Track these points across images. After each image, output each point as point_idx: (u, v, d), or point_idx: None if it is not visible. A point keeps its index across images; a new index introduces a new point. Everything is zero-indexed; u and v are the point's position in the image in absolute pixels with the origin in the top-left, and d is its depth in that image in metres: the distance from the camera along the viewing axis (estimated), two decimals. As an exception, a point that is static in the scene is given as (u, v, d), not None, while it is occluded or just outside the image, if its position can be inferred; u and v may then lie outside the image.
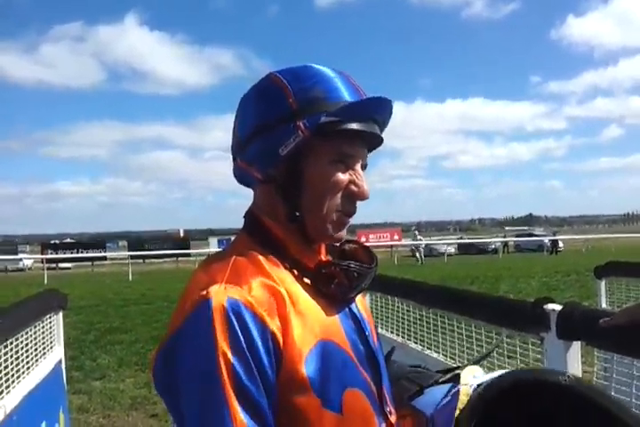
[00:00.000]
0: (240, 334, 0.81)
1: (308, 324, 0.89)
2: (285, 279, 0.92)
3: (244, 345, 0.81)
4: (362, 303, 1.09)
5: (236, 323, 0.81)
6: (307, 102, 0.94)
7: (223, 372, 0.79)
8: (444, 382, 1.12)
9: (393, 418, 1.00)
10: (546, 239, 37.32)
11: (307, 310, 0.91)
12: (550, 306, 1.74)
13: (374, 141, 1.03)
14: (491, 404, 0.89)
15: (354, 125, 0.94)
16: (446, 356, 2.53)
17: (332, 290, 0.95)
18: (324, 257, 1.04)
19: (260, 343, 0.82)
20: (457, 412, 0.96)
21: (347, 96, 0.96)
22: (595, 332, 1.49)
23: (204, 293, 0.84)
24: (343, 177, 0.96)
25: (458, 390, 1.01)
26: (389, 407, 0.99)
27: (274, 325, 0.84)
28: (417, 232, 35.82)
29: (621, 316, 1.29)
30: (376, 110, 0.99)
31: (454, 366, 1.31)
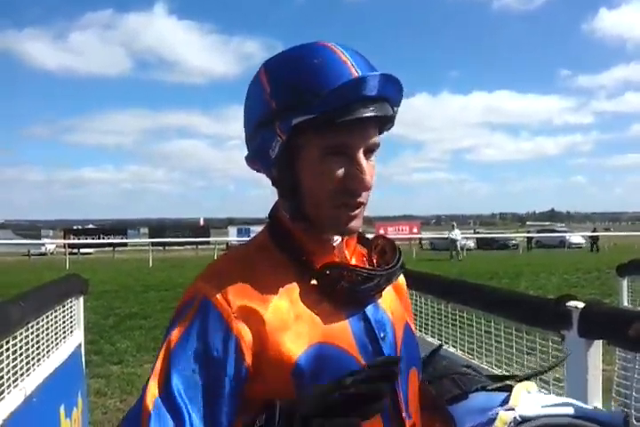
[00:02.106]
0: (199, 327, 0.86)
1: (302, 327, 0.88)
2: (286, 282, 0.92)
3: (196, 335, 0.85)
4: (392, 303, 1.04)
5: (199, 318, 0.86)
6: (283, 100, 0.89)
7: (164, 348, 0.86)
8: (493, 390, 1.07)
9: (408, 424, 0.96)
10: (567, 235, 36.92)
11: (303, 312, 0.90)
12: (573, 303, 1.71)
13: (382, 121, 0.94)
14: None
15: (339, 115, 0.85)
16: (464, 351, 2.51)
17: (337, 292, 0.92)
18: (348, 254, 1.01)
19: (216, 340, 0.85)
20: None
21: (333, 81, 0.86)
22: (617, 331, 1.46)
23: (191, 288, 0.92)
24: (338, 171, 0.90)
25: (496, 415, 0.95)
26: (405, 413, 0.96)
27: (242, 328, 0.86)
28: (454, 224, 30.88)
29: None
30: (367, 90, 0.86)
31: (507, 374, 1.26)
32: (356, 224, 0.95)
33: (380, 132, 0.97)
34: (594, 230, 37.91)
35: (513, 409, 0.95)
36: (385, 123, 0.96)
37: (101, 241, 35.45)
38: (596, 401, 1.72)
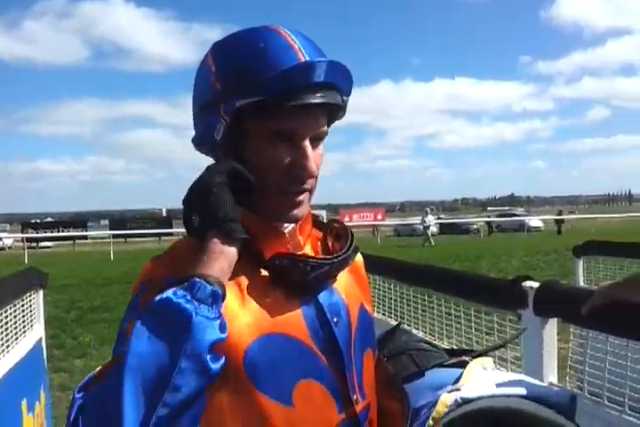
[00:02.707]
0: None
1: (251, 318, 0.88)
2: (235, 273, 0.89)
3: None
4: (347, 285, 1.04)
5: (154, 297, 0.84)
6: (228, 83, 0.89)
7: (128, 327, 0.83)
8: (449, 366, 1.09)
9: (360, 406, 0.97)
10: (526, 219, 37.70)
11: (252, 303, 0.89)
12: (528, 283, 1.76)
13: (331, 109, 0.94)
14: None
15: (284, 100, 0.86)
16: (425, 332, 2.56)
17: (288, 281, 0.92)
18: (302, 239, 1.01)
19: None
20: (429, 421, 0.93)
21: (278, 65, 0.86)
22: (571, 309, 1.51)
23: (143, 273, 0.94)
24: (283, 157, 0.90)
25: (438, 398, 0.96)
26: (357, 395, 0.97)
27: None
28: (429, 210, 31.34)
29: (598, 298, 1.32)
30: (307, 77, 0.86)
31: (464, 349, 1.28)
32: (299, 211, 0.95)
33: (330, 122, 0.98)
34: (559, 213, 37.86)
35: (459, 390, 0.97)
36: (334, 112, 0.96)
37: (61, 234, 34.66)
38: (551, 377, 1.78)
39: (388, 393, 1.06)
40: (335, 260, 0.95)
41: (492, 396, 0.95)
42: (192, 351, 0.75)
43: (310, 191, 0.95)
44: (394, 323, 2.85)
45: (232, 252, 0.85)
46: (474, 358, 1.12)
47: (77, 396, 0.81)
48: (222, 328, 0.80)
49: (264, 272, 0.93)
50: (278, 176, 0.91)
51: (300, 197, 0.94)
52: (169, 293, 0.78)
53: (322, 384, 0.91)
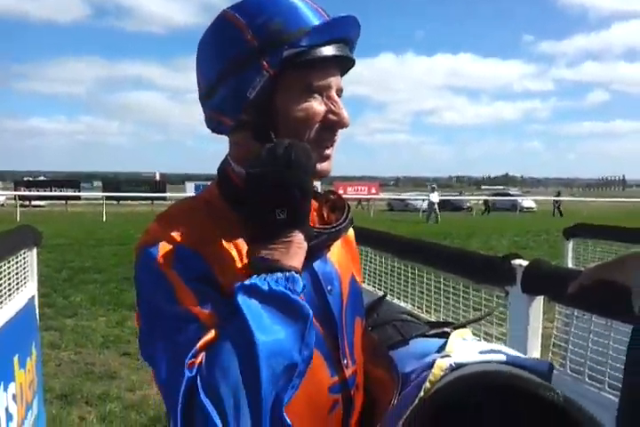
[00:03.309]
0: (181, 260, 0.87)
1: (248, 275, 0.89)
2: (235, 238, 0.93)
3: (185, 268, 0.87)
4: (339, 255, 1.08)
5: (175, 254, 0.88)
6: (267, 37, 0.90)
7: (173, 286, 0.85)
8: (431, 337, 1.13)
9: (350, 371, 1.02)
10: (519, 199, 37.78)
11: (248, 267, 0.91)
12: (517, 261, 1.79)
13: (346, 64, 1.00)
14: (458, 395, 0.90)
15: (321, 52, 0.91)
16: (414, 306, 2.60)
17: None
18: None
19: (195, 268, 0.87)
20: (426, 384, 0.96)
21: (308, 22, 0.91)
22: (557, 288, 1.55)
23: (146, 237, 0.93)
24: (319, 108, 0.94)
25: (433, 361, 0.99)
26: (347, 360, 1.02)
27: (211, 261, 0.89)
28: (435, 186, 30.62)
29: (585, 278, 1.34)
30: (341, 31, 0.94)
31: (445, 321, 1.31)
32: (328, 165, 0.98)
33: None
34: (558, 195, 37.53)
35: (449, 356, 1.01)
36: (346, 67, 1.01)
37: (54, 194, 34.51)
38: (535, 353, 1.83)
39: (374, 361, 1.11)
40: (333, 230, 0.97)
41: (484, 362, 0.98)
42: (309, 341, 0.80)
43: (334, 147, 0.99)
44: (370, 290, 2.90)
45: (306, 247, 0.88)
46: (454, 329, 1.16)
47: (190, 374, 0.76)
48: None
49: None
50: (314, 127, 0.94)
51: (328, 151, 0.97)
52: (276, 283, 0.80)
53: (315, 348, 0.94)
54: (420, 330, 1.16)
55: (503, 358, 1.00)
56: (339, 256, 1.07)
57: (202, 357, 0.77)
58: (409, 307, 2.62)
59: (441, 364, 0.98)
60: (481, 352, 1.02)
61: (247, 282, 0.80)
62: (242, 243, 0.92)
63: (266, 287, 0.79)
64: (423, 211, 29.58)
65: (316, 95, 0.93)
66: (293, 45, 0.89)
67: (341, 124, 0.96)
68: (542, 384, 0.87)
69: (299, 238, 0.85)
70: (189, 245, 0.88)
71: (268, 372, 0.74)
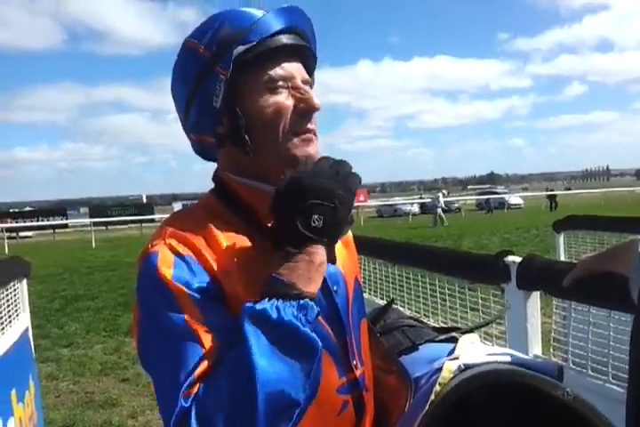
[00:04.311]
0: (183, 268, 0.85)
1: (252, 280, 0.87)
2: (238, 242, 0.92)
3: (187, 277, 0.84)
4: (343, 258, 1.06)
5: (176, 262, 0.85)
6: (216, 45, 0.93)
7: (178, 300, 0.82)
8: (440, 342, 1.13)
9: (359, 371, 1.01)
10: (507, 196, 37.99)
11: (257, 272, 0.88)
12: (511, 258, 1.79)
13: (306, 54, 1.01)
14: (468, 395, 0.89)
15: (271, 43, 0.93)
16: (412, 310, 2.59)
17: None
18: None
19: (197, 276, 0.85)
20: (437, 387, 0.95)
21: (254, 19, 0.93)
22: (552, 281, 1.54)
23: (147, 248, 0.90)
24: (285, 99, 0.94)
25: (442, 364, 0.98)
26: (356, 361, 1.01)
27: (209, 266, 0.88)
28: (443, 191, 31.24)
29: (579, 270, 1.34)
30: (287, 20, 0.95)
31: (453, 326, 1.31)
32: (312, 148, 0.97)
33: (308, 73, 1.02)
34: (551, 190, 37.61)
35: (457, 358, 1.00)
36: (308, 60, 1.02)
37: (41, 223, 34.25)
38: (536, 349, 1.82)
39: (384, 367, 1.10)
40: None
41: (493, 362, 0.98)
42: (315, 377, 0.77)
43: (315, 133, 0.98)
44: (379, 302, 2.88)
45: (325, 269, 0.84)
46: (462, 334, 1.16)
47: (185, 405, 0.73)
48: None
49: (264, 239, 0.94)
50: (286, 118, 0.94)
51: (309, 135, 0.97)
52: (287, 313, 0.76)
53: (324, 349, 0.94)
54: (428, 335, 1.16)
55: (511, 359, 0.99)
56: (341, 258, 1.06)
57: (199, 387, 0.75)
58: (408, 312, 2.61)
59: (449, 366, 0.97)
60: (489, 354, 1.01)
61: (257, 306, 0.76)
62: (241, 244, 0.92)
63: (275, 316, 0.75)
64: (412, 214, 29.60)
65: (280, 89, 0.94)
66: (242, 43, 0.91)
67: (311, 108, 0.95)
68: (553, 383, 0.86)
69: (321, 258, 0.82)
70: (190, 252, 0.87)
71: (266, 409, 0.71)
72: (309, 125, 0.96)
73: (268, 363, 0.73)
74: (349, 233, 1.15)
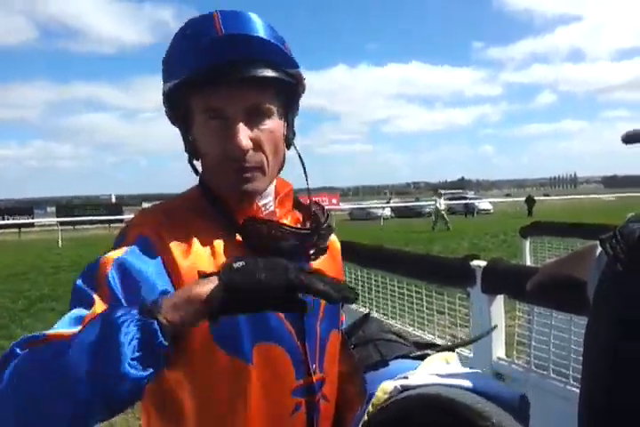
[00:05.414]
0: (135, 253, 0.88)
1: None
2: (212, 236, 0.94)
3: (134, 263, 0.87)
4: (323, 265, 1.03)
5: (134, 250, 0.89)
6: (164, 69, 0.96)
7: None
8: (414, 358, 1.13)
9: (317, 377, 1.01)
10: (476, 202, 38.45)
11: (216, 261, 0.91)
12: (476, 262, 1.82)
13: (268, 83, 0.91)
14: (404, 416, 0.91)
15: (200, 79, 0.88)
16: (379, 313, 2.61)
17: (261, 249, 0.92)
18: (279, 212, 1.03)
19: (151, 266, 0.87)
20: (369, 406, 0.98)
21: (195, 45, 0.89)
22: (516, 286, 1.57)
23: (131, 223, 0.95)
24: (216, 134, 0.92)
25: (372, 395, 1.00)
26: (316, 366, 1.00)
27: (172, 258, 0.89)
28: (442, 193, 29.47)
29: (542, 275, 1.37)
30: (220, 54, 0.88)
31: (432, 343, 1.30)
32: (250, 186, 0.94)
33: (284, 96, 0.98)
34: (530, 196, 37.40)
35: (407, 378, 1.01)
36: (279, 86, 0.94)
37: (6, 222, 33.48)
38: (500, 351, 1.85)
39: (349, 379, 1.10)
40: (307, 231, 0.99)
41: (432, 385, 0.98)
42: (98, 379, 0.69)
43: (261, 168, 0.95)
44: (353, 306, 2.89)
45: (215, 310, 0.73)
46: (439, 351, 1.16)
47: (16, 351, 0.75)
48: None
49: (238, 237, 0.96)
50: (218, 155, 0.93)
51: (247, 174, 0.94)
52: (128, 321, 0.70)
53: (282, 348, 0.95)
54: (402, 350, 1.16)
55: (467, 383, 0.98)
56: (321, 265, 1.04)
57: (37, 347, 0.77)
58: (376, 315, 2.63)
59: (385, 387, 0.99)
60: (445, 375, 1.01)
61: (119, 311, 0.72)
62: (213, 238, 0.94)
63: (117, 315, 0.71)
64: (384, 218, 29.75)
65: (215, 121, 0.92)
66: (177, 75, 0.91)
67: (239, 151, 0.90)
68: (480, 412, 0.86)
69: (201, 289, 0.73)
70: (157, 238, 0.90)
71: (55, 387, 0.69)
72: (243, 164, 0.92)
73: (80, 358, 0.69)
74: (337, 242, 1.17)
